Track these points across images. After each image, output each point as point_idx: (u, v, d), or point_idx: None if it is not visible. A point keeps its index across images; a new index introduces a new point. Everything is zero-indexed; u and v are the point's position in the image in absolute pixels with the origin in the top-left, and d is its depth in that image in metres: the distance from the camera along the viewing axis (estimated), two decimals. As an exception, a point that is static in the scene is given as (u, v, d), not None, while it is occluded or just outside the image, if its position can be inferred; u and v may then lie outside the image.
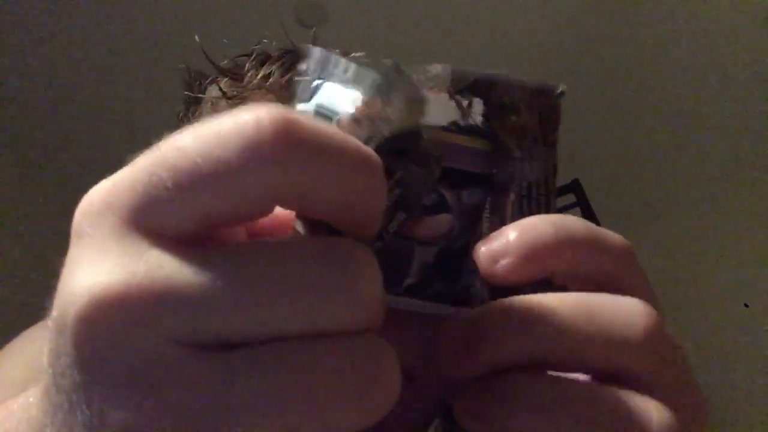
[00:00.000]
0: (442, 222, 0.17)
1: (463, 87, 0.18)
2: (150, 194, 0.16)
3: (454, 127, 0.18)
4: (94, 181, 0.18)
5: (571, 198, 1.70)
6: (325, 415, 0.14)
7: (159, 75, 2.07)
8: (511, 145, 0.19)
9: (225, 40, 0.60)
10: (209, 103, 0.60)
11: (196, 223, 0.16)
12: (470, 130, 0.18)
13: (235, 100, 0.56)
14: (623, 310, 0.18)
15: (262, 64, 0.58)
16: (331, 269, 0.15)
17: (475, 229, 0.18)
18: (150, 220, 0.16)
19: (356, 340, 0.15)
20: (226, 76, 0.60)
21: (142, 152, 0.18)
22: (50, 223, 2.26)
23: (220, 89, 0.58)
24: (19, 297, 1.45)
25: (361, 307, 0.15)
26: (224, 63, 0.62)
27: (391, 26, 1.97)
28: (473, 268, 0.17)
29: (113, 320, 0.14)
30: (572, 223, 0.20)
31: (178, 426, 0.14)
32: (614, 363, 0.18)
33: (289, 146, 0.15)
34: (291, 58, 0.58)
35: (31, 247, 2.15)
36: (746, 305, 2.10)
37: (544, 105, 0.20)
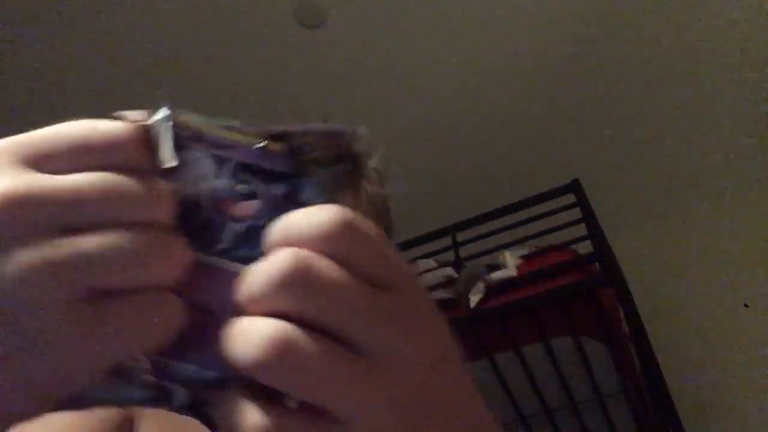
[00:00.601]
0: (250, 206, 0.25)
1: (266, 136, 0.26)
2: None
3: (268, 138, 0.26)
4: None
5: (571, 198, 1.70)
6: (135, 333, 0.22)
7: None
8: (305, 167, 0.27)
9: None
10: None
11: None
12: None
13: None
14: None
15: None
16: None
17: (282, 211, 0.25)
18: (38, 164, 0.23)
19: (155, 297, 0.22)
20: None
21: None
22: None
23: None
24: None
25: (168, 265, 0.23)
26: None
27: (391, 26, 1.97)
28: None
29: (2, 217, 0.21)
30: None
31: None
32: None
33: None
34: None
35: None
36: (746, 305, 2.10)
37: (336, 145, 0.28)
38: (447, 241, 1.74)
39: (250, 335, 0.21)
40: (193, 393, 0.24)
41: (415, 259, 1.79)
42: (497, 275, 1.50)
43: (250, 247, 0.24)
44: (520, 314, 1.47)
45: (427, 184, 2.37)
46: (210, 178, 0.25)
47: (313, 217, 0.23)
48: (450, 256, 1.71)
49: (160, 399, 0.24)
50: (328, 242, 0.23)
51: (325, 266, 0.22)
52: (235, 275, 0.23)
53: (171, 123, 0.25)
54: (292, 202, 0.25)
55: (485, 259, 1.61)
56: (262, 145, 0.26)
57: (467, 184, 2.36)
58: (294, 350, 0.21)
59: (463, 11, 1.92)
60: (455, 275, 1.59)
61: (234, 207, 0.25)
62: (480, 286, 1.48)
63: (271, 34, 1.96)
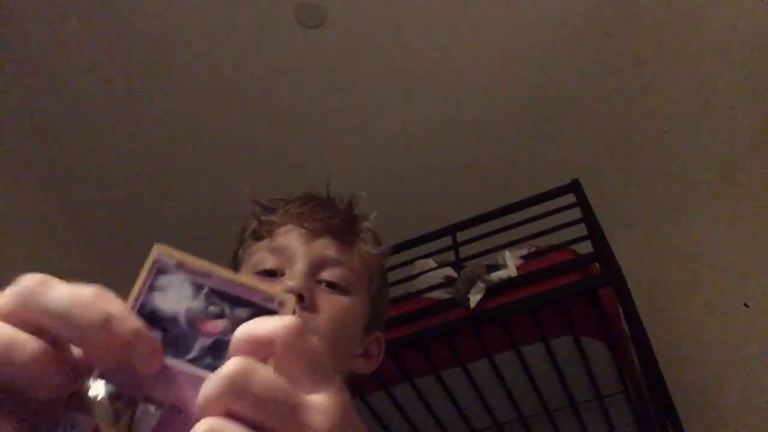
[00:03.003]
0: (218, 324, 0.30)
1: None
2: None
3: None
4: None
5: (571, 198, 1.70)
6: None
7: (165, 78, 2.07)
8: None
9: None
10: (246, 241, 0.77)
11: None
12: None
13: (262, 230, 0.74)
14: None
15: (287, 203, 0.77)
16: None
17: None
18: None
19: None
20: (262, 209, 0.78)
21: None
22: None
23: (257, 219, 0.76)
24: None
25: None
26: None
27: (391, 26, 1.97)
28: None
29: None
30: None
31: None
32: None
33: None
34: (308, 197, 0.77)
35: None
36: (746, 305, 2.10)
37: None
38: (447, 241, 1.74)
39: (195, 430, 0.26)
40: None
41: (415, 259, 1.80)
42: (497, 275, 1.50)
43: (215, 358, 0.30)
44: (520, 314, 1.47)
45: (427, 184, 2.37)
46: (188, 300, 0.31)
47: (266, 324, 0.28)
48: (450, 256, 1.71)
49: None
50: (273, 347, 0.28)
51: (261, 374, 0.27)
52: (201, 380, 0.28)
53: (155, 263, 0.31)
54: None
55: (485, 259, 1.61)
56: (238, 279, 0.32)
57: (467, 184, 2.36)
58: None
59: (463, 10, 1.92)
60: (455, 275, 1.59)
61: (205, 324, 0.31)
62: (480, 286, 1.48)
63: (271, 34, 1.96)
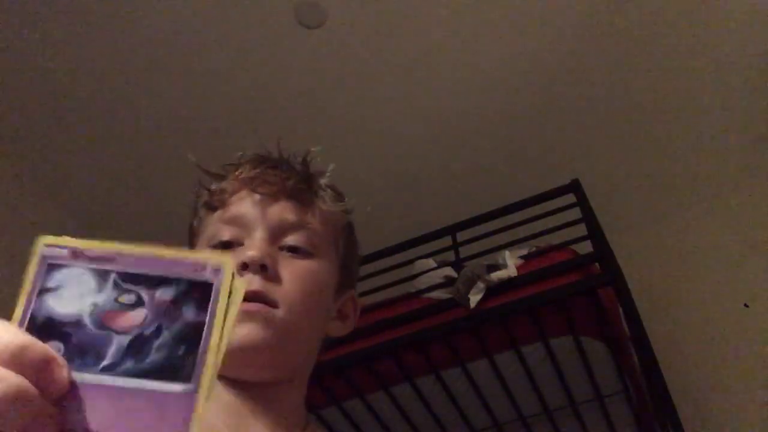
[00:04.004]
0: (137, 315, 0.25)
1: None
2: None
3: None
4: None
5: (571, 198, 1.70)
6: None
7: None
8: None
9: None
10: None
11: None
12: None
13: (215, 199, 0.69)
14: None
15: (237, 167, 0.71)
16: None
17: (171, 315, 0.25)
18: None
19: None
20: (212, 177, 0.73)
21: None
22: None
23: (206, 189, 0.71)
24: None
25: None
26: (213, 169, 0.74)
27: (391, 26, 1.97)
28: (167, 344, 0.25)
29: None
30: None
31: None
32: None
33: None
34: (259, 159, 0.72)
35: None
36: (746, 305, 2.10)
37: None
38: (447, 241, 1.74)
39: None
40: None
41: (415, 259, 1.80)
42: (497, 275, 1.50)
43: (137, 359, 0.25)
44: (520, 314, 1.47)
45: (427, 184, 2.37)
46: (92, 294, 0.25)
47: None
48: (450, 256, 1.71)
49: None
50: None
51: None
52: (124, 392, 0.24)
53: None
54: (180, 305, 0.26)
55: (485, 259, 1.61)
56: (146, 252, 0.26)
57: (467, 184, 2.36)
58: None
59: (463, 11, 1.92)
60: (455, 275, 1.59)
61: (118, 319, 0.25)
62: (480, 286, 1.48)
63: (271, 34, 1.96)
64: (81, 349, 0.25)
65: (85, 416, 0.24)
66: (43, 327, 0.25)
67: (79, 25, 1.88)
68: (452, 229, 1.75)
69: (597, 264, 1.51)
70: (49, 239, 0.26)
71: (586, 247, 1.57)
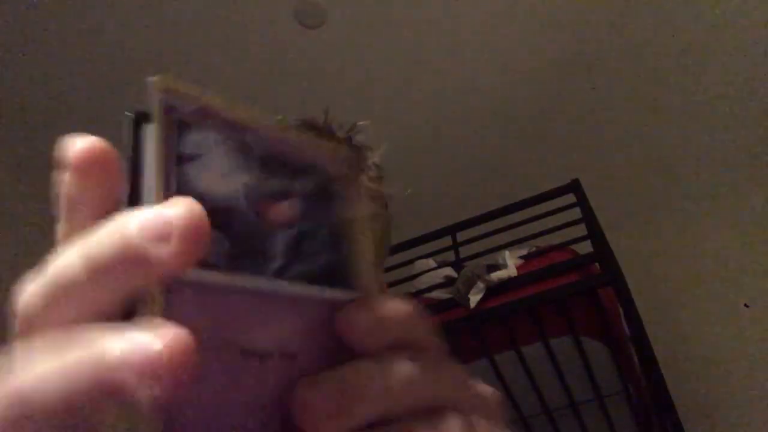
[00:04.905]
0: (291, 206, 0.19)
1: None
2: None
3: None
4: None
5: (571, 198, 1.70)
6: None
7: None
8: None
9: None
10: None
11: None
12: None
13: None
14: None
15: None
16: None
17: (320, 210, 0.20)
18: None
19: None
20: None
21: None
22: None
23: None
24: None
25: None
26: None
27: (391, 26, 1.97)
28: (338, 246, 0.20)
29: None
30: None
31: None
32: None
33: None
34: (304, 126, 0.67)
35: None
36: (746, 305, 2.10)
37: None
38: (447, 241, 1.74)
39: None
40: None
41: (415, 259, 1.80)
42: (497, 275, 1.50)
43: (307, 261, 0.19)
44: (520, 314, 1.47)
45: (427, 184, 2.37)
46: (239, 171, 0.18)
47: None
48: (450, 256, 1.71)
49: None
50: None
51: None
52: (310, 302, 0.19)
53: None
54: (323, 198, 0.21)
55: (485, 259, 1.61)
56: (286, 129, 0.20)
57: (467, 184, 2.36)
58: None
59: (463, 11, 1.92)
60: (455, 275, 1.59)
61: (275, 209, 0.19)
62: (480, 286, 1.48)
63: (271, 34, 1.96)
64: (245, 244, 0.18)
65: (271, 334, 0.18)
66: None
67: (80, 25, 1.88)
68: (452, 229, 1.75)
69: (597, 264, 1.51)
70: (168, 80, 0.18)
71: (586, 247, 1.57)
